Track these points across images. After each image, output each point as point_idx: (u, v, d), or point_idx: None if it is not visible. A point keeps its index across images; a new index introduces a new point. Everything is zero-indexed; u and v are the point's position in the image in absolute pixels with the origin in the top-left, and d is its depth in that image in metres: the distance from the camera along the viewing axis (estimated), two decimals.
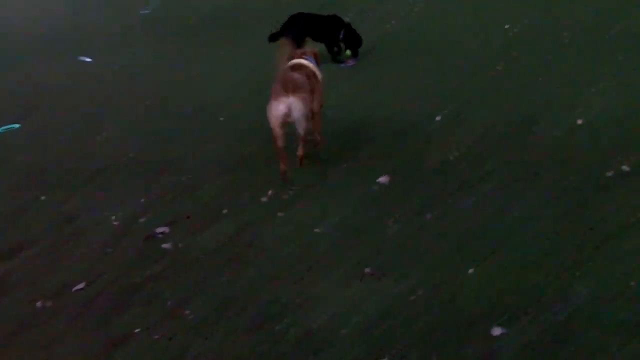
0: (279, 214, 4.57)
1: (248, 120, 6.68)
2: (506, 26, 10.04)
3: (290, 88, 4.98)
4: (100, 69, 10.59)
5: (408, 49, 8.79)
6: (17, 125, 7.38)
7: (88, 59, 12.01)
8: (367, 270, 3.72)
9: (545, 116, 5.65)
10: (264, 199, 4.82)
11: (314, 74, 5.39)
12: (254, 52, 10.24)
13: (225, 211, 4.74)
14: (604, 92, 6.13)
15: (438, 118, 6.03)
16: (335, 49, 8.54)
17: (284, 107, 4.95)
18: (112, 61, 11.37)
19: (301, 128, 5.07)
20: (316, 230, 4.21)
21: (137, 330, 3.61)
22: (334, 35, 8.36)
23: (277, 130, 5.05)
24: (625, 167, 4.60)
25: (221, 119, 6.90)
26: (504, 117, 5.79)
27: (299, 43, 7.14)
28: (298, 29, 8.05)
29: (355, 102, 6.84)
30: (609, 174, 4.54)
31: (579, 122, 5.49)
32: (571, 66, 7.19)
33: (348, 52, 8.56)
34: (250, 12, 14.47)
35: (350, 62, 8.55)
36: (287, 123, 5.03)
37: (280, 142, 5.10)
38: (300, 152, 5.26)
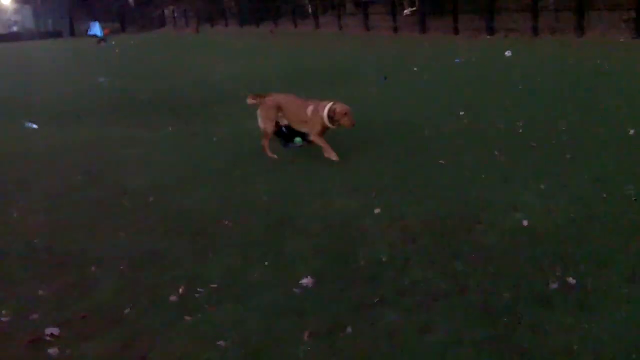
0: (187, 317, 4.03)
1: (173, 207, 6.20)
2: (460, 113, 9.88)
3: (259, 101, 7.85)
4: (40, 138, 10.12)
5: (355, 137, 8.49)
6: None
7: (34, 126, 11.58)
8: None
9: (483, 217, 5.25)
10: (172, 299, 4.28)
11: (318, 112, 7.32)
12: (197, 134, 9.92)
13: (127, 311, 4.17)
14: (547, 193, 5.80)
15: (377, 211, 5.63)
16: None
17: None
18: (56, 130, 10.93)
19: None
20: (219, 343, 3.66)
21: None
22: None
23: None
24: (571, 280, 4.16)
25: (147, 201, 6.42)
26: (441, 215, 5.38)
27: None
28: None
29: (287, 192, 6.39)
30: (553, 286, 4.11)
31: (525, 223, 5.13)
32: (517, 161, 6.91)
33: (298, 138, 8.37)
34: (200, 97, 14.31)
35: (295, 145, 8.31)
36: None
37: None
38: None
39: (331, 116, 7.20)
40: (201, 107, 13.04)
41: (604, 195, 5.67)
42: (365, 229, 5.22)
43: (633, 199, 5.53)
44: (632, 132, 7.90)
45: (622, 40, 18.38)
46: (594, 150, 7.22)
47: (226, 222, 5.61)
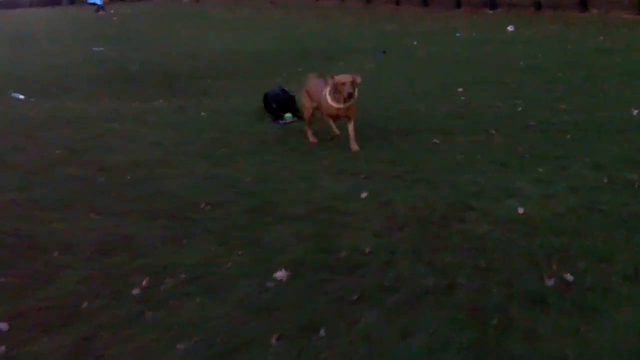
0: (147, 314, 3.66)
1: (152, 186, 5.80)
2: (458, 90, 9.47)
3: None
4: (25, 110, 9.71)
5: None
6: None
7: (20, 97, 11.17)
8: None
9: (476, 205, 4.86)
10: (135, 292, 3.91)
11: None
12: (186, 108, 9.50)
13: (84, 305, 3.80)
14: (545, 179, 5.42)
15: (364, 195, 5.25)
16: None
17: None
18: (42, 102, 10.53)
19: None
20: (179, 346, 3.31)
21: None
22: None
23: None
24: (568, 277, 3.80)
25: (125, 180, 6.05)
26: (431, 202, 4.99)
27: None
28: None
29: (273, 173, 6.00)
30: (549, 283, 3.74)
31: (520, 212, 4.74)
32: (514, 143, 6.52)
33: (288, 114, 8.06)
34: (193, 69, 13.85)
35: (286, 121, 7.99)
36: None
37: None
38: None
39: (335, 91, 6.43)
40: (193, 80, 12.65)
41: (605, 181, 5.29)
42: (350, 215, 4.84)
43: (636, 186, 5.16)
44: (635, 112, 7.51)
45: (624, 17, 17.85)
46: (595, 132, 6.83)
47: (205, 205, 5.24)
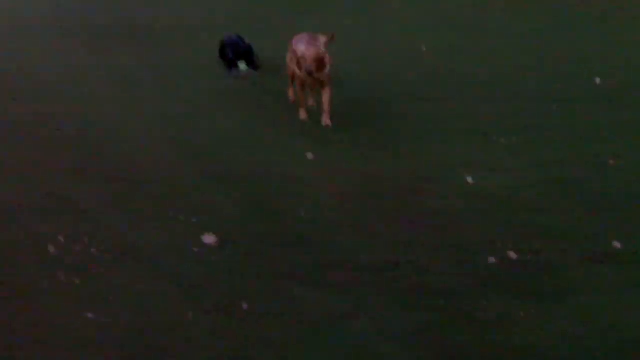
0: (62, 276, 3.29)
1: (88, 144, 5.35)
2: (423, 49, 9.02)
3: None
4: None
5: None
6: None
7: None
8: None
9: (434, 175, 4.54)
10: (52, 250, 3.52)
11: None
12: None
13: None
14: (509, 150, 5.09)
15: (311, 156, 4.89)
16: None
17: None
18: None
19: None
20: (89, 315, 2.98)
21: None
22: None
23: None
24: (512, 254, 3.53)
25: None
26: (386, 170, 4.63)
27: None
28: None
29: (227, 131, 5.54)
30: (501, 262, 3.47)
31: (477, 184, 4.43)
32: (480, 112, 6.17)
33: (243, 65, 7.44)
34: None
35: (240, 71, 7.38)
36: None
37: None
38: None
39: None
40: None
41: (570, 155, 4.98)
42: (295, 180, 4.46)
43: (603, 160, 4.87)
44: (597, 80, 7.19)
45: None
46: (565, 102, 6.51)
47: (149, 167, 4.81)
